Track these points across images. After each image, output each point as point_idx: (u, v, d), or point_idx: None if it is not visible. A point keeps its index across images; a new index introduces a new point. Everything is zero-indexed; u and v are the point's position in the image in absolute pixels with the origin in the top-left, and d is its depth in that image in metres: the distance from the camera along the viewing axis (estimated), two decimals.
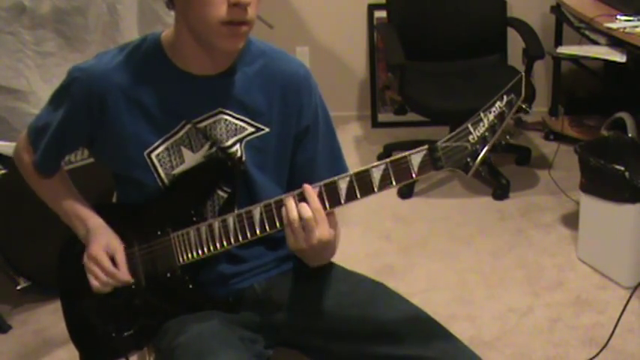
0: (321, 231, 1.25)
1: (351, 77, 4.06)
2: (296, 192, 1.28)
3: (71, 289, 1.51)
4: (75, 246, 1.46)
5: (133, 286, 1.41)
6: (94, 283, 1.39)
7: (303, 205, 1.25)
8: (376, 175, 1.22)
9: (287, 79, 1.43)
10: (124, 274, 1.39)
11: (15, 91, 2.49)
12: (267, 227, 1.30)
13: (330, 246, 1.32)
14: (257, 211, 1.31)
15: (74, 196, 1.50)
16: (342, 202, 1.26)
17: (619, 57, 2.81)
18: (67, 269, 1.51)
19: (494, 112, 1.17)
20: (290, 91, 1.43)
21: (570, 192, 3.08)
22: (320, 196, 1.26)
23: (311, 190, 1.26)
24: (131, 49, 1.39)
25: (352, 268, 1.52)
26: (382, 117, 4.04)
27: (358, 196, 1.24)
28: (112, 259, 1.39)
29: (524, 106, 1.17)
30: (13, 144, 1.54)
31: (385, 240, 2.94)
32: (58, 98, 1.43)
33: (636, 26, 2.77)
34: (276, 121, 1.42)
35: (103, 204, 1.52)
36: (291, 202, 1.26)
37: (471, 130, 1.18)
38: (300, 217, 1.25)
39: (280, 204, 1.28)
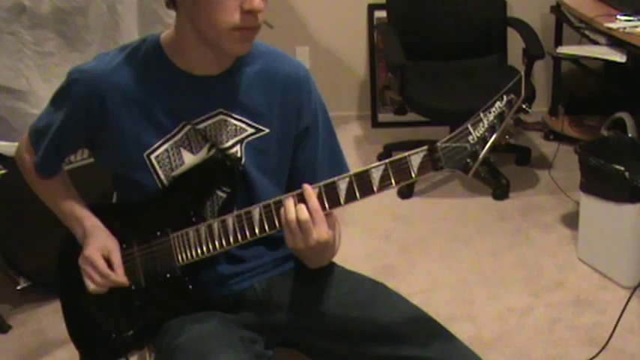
0: (319, 232, 1.25)
1: (351, 77, 4.06)
2: (296, 192, 1.27)
3: (71, 289, 1.51)
4: (74, 246, 1.46)
5: (133, 287, 1.41)
6: (90, 284, 1.39)
7: (301, 206, 1.24)
8: (376, 175, 1.22)
9: (287, 79, 1.43)
10: (119, 276, 1.38)
11: (15, 91, 2.49)
12: (266, 228, 1.30)
13: (329, 247, 1.31)
14: (256, 211, 1.30)
15: (73, 197, 1.50)
16: (342, 202, 1.25)
17: (619, 57, 2.81)
18: (67, 269, 1.51)
19: (494, 112, 1.17)
20: (290, 92, 1.43)
21: (570, 192, 3.08)
22: (319, 196, 1.26)
23: (310, 190, 1.25)
24: (131, 50, 1.39)
25: (352, 268, 1.52)
26: (382, 117, 4.04)
27: (358, 196, 1.24)
28: (108, 261, 1.39)
29: (524, 106, 1.17)
30: (13, 144, 1.54)
31: (385, 240, 2.94)
32: (58, 100, 1.43)
33: (636, 26, 2.77)
34: (277, 122, 1.42)
35: (102, 204, 1.52)
36: (289, 203, 1.26)
37: (471, 130, 1.18)
38: (298, 219, 1.24)
39: (280, 205, 1.28)
